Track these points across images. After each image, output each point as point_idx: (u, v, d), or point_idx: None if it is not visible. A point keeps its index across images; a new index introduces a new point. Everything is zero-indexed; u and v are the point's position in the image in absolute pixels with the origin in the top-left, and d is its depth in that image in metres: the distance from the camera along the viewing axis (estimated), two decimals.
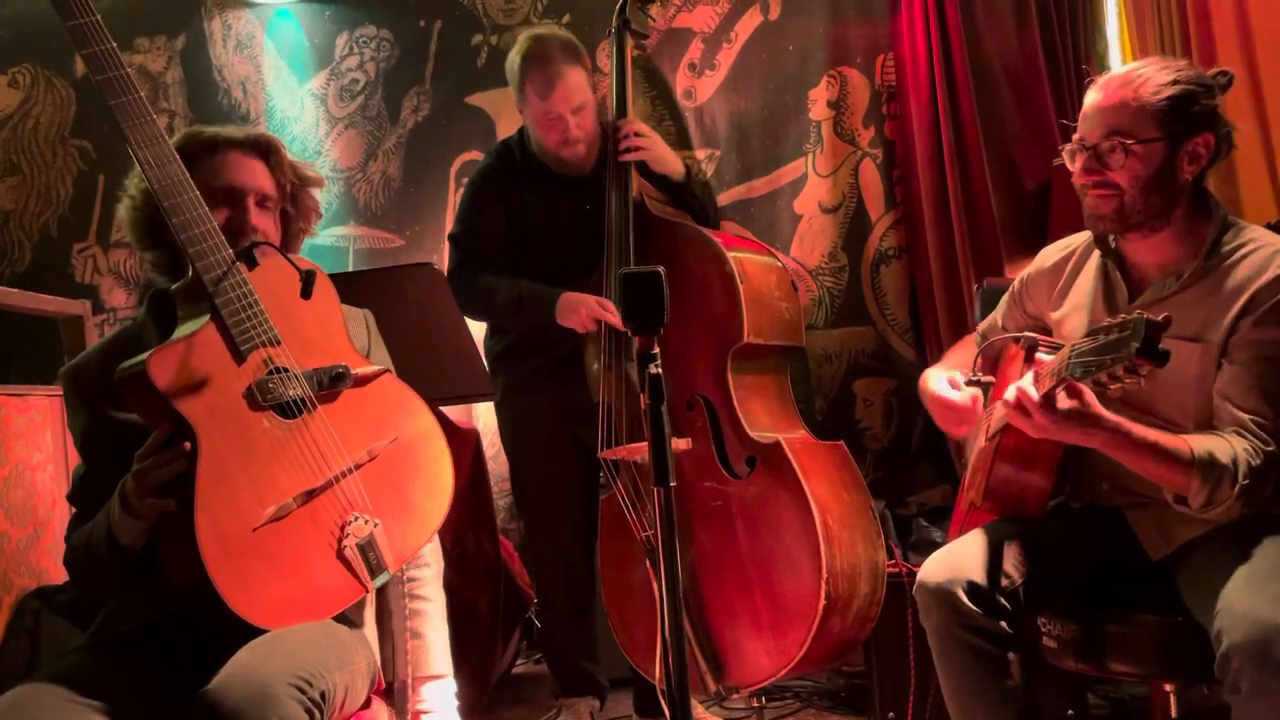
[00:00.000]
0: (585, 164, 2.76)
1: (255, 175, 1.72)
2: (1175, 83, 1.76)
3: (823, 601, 2.30)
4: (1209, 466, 1.65)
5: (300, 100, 3.92)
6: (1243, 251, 1.78)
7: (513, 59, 2.72)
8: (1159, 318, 1.46)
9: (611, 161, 2.68)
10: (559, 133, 2.67)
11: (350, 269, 3.78)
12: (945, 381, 2.02)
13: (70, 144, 3.95)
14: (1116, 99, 1.79)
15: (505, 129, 3.61)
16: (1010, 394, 1.71)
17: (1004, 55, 3.41)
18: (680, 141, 3.66)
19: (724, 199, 3.62)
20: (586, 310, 2.59)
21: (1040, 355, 1.86)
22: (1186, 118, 1.77)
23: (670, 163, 2.74)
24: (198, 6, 3.94)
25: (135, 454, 1.49)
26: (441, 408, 2.76)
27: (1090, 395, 1.64)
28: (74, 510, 1.70)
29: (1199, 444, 1.68)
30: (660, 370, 1.34)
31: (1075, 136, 1.85)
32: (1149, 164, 1.77)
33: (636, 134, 2.68)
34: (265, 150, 1.75)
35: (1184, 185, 1.80)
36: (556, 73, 2.63)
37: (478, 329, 2.80)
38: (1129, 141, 1.77)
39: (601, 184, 2.72)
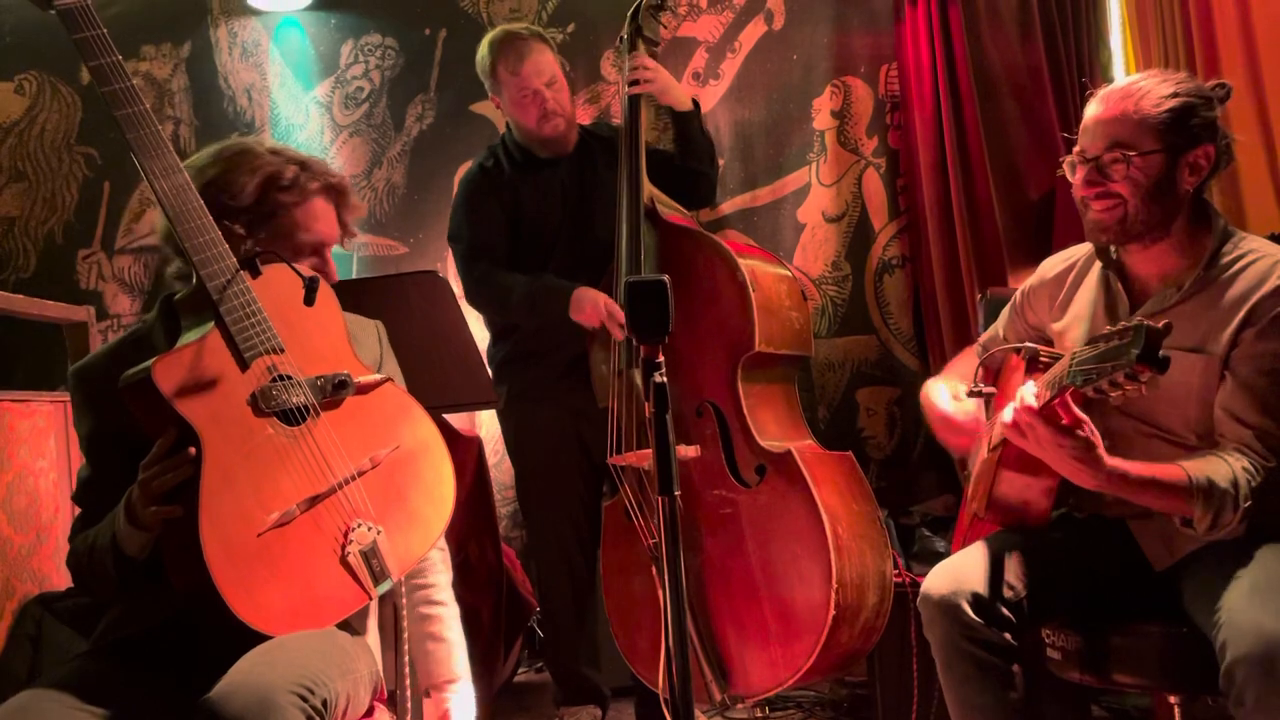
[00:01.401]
0: (567, 141, 2.81)
1: (333, 224, 1.76)
2: (1175, 95, 1.77)
3: (832, 612, 2.29)
4: (1209, 493, 1.65)
5: (305, 108, 3.93)
6: (1243, 262, 1.78)
7: (481, 52, 2.78)
8: (1159, 324, 1.46)
9: (624, 166, 2.69)
10: (537, 107, 2.72)
11: (354, 276, 3.79)
12: (947, 395, 2.02)
13: (76, 151, 3.96)
14: (1117, 111, 1.80)
15: None
16: (1007, 415, 1.71)
17: (1008, 65, 3.41)
18: None
19: (727, 208, 3.63)
20: (593, 309, 2.60)
21: (1041, 368, 1.86)
22: (1186, 130, 1.77)
23: (676, 93, 2.80)
24: (204, 14, 3.95)
25: (140, 464, 1.48)
26: (445, 415, 2.76)
27: (1097, 438, 1.64)
28: (78, 511, 1.70)
29: (1196, 471, 1.67)
30: (665, 379, 1.34)
31: (1075, 149, 1.85)
32: (1149, 175, 1.78)
33: (644, 68, 2.72)
34: (341, 194, 1.77)
35: (1184, 196, 1.80)
36: (525, 48, 2.70)
37: (480, 336, 2.80)
38: (1130, 153, 1.78)
39: (585, 157, 2.77)
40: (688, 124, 2.81)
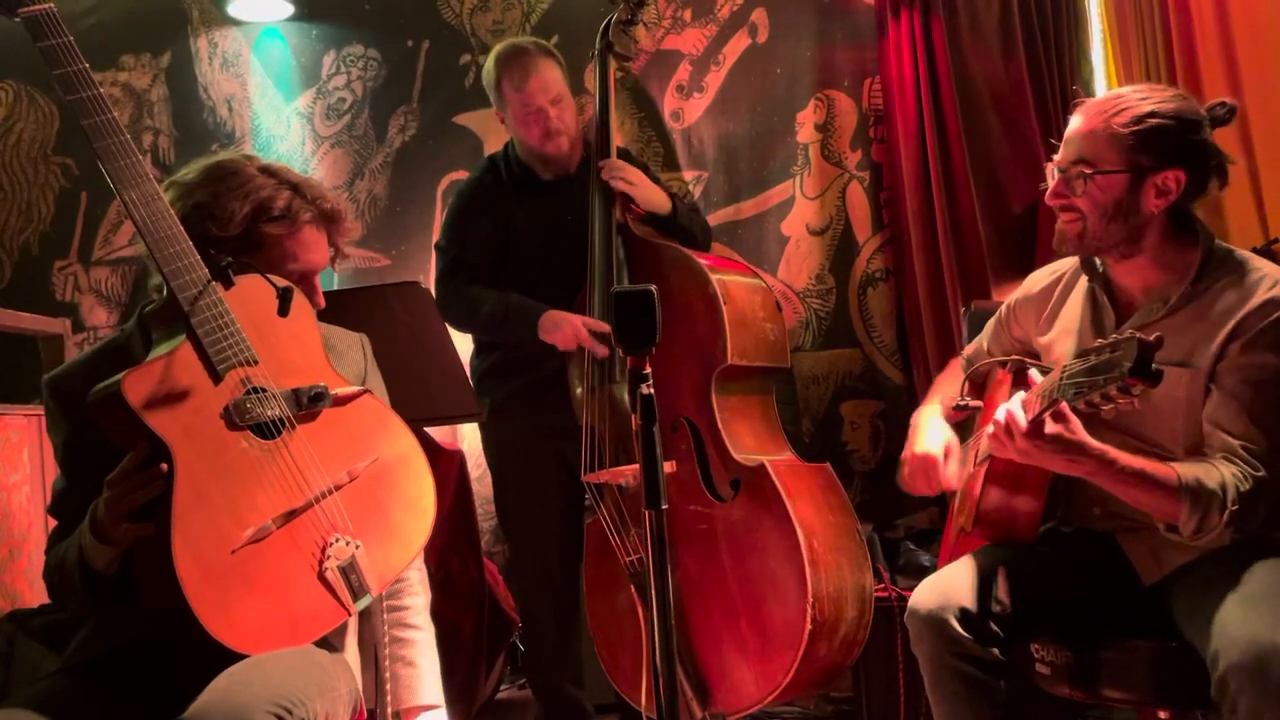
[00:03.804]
0: (570, 161, 2.76)
1: (323, 251, 1.72)
2: (1153, 115, 1.75)
3: (809, 626, 2.28)
4: (1197, 493, 1.65)
5: (286, 119, 3.90)
6: (1230, 277, 1.78)
7: (487, 66, 2.74)
8: (1151, 337, 1.45)
9: (595, 180, 2.67)
10: (540, 125, 2.68)
11: (335, 289, 3.75)
12: (940, 445, 1.99)
13: (52, 161, 3.92)
14: (1089, 126, 1.80)
15: (493, 149, 3.59)
16: (1000, 414, 1.70)
17: (990, 79, 3.43)
18: (668, 163, 3.66)
19: (712, 221, 3.61)
20: (571, 329, 2.57)
21: (1030, 378, 1.85)
22: (1157, 151, 1.75)
23: (655, 200, 2.71)
24: (184, 24, 3.92)
25: (106, 479, 1.45)
26: (427, 428, 2.73)
27: (1076, 422, 1.63)
28: (55, 523, 1.66)
29: (1186, 471, 1.67)
30: (652, 391, 1.32)
31: (1056, 157, 1.85)
32: (1109, 194, 1.77)
33: (620, 176, 2.65)
34: (334, 221, 1.73)
35: (1149, 217, 1.78)
36: (531, 64, 2.65)
37: (463, 348, 2.78)
38: (1089, 171, 1.77)
39: (586, 187, 2.72)
40: (669, 226, 2.74)
